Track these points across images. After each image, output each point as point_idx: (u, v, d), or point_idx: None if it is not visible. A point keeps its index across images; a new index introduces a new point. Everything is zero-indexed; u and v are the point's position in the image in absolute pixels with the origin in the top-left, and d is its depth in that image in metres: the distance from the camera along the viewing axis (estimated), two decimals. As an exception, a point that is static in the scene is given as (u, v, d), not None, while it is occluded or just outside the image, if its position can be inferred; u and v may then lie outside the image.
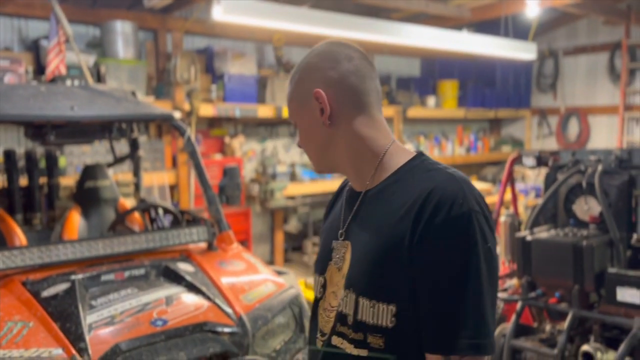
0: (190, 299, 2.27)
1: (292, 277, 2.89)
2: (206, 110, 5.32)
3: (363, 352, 1.11)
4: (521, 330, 3.01)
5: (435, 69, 7.47)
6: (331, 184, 6.29)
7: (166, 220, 3.70)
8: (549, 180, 3.31)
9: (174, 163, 5.49)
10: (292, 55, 6.54)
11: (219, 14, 3.97)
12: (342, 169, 1.25)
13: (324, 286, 1.24)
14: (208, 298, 2.30)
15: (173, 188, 5.41)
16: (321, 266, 1.27)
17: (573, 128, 7.86)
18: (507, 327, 2.97)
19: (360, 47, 1.26)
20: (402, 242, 1.07)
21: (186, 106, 5.18)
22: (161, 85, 5.36)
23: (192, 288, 2.36)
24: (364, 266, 1.14)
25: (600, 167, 2.99)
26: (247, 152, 6.39)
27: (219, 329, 2.14)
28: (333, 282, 1.21)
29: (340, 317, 1.16)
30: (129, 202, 3.77)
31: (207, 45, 5.90)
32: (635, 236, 2.89)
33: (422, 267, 1.05)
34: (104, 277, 2.34)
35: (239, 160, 5.86)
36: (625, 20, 6.62)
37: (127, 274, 2.39)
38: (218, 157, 5.84)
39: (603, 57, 7.49)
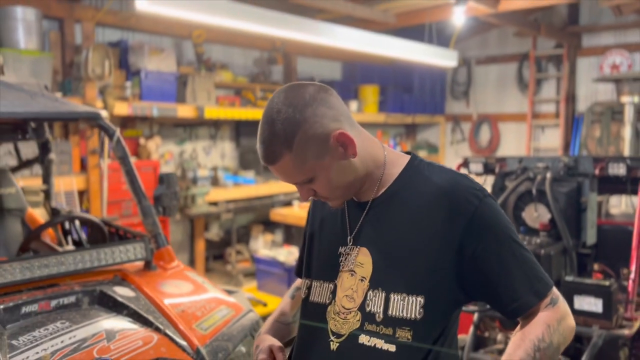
0: (135, 332, 1.92)
1: (242, 295, 2.60)
2: (121, 108, 4.84)
3: (391, 348, 1.17)
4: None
5: (356, 74, 7.43)
6: (255, 189, 6.00)
7: (83, 233, 3.26)
8: (496, 187, 3.29)
9: (83, 166, 4.94)
10: (212, 53, 6.18)
11: (143, 4, 3.56)
12: (356, 189, 1.29)
13: (333, 292, 1.28)
14: (157, 329, 1.96)
15: (82, 194, 4.86)
16: (328, 273, 1.30)
17: (484, 134, 8.16)
18: (464, 338, 2.89)
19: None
20: (436, 237, 1.18)
21: (98, 104, 4.67)
22: (69, 80, 4.79)
23: (136, 317, 2.00)
24: (394, 264, 1.21)
25: (549, 175, 3.00)
26: (164, 155, 5.93)
27: (175, 366, 1.83)
28: (345, 286, 1.26)
29: (368, 317, 1.21)
30: (38, 213, 3.27)
31: (119, 38, 5.39)
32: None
33: (480, 253, 1.17)
34: (25, 309, 1.92)
35: (155, 163, 5.40)
36: (534, 33, 6.95)
37: (54, 303, 1.98)
38: (132, 160, 5.33)
39: (512, 67, 7.84)
